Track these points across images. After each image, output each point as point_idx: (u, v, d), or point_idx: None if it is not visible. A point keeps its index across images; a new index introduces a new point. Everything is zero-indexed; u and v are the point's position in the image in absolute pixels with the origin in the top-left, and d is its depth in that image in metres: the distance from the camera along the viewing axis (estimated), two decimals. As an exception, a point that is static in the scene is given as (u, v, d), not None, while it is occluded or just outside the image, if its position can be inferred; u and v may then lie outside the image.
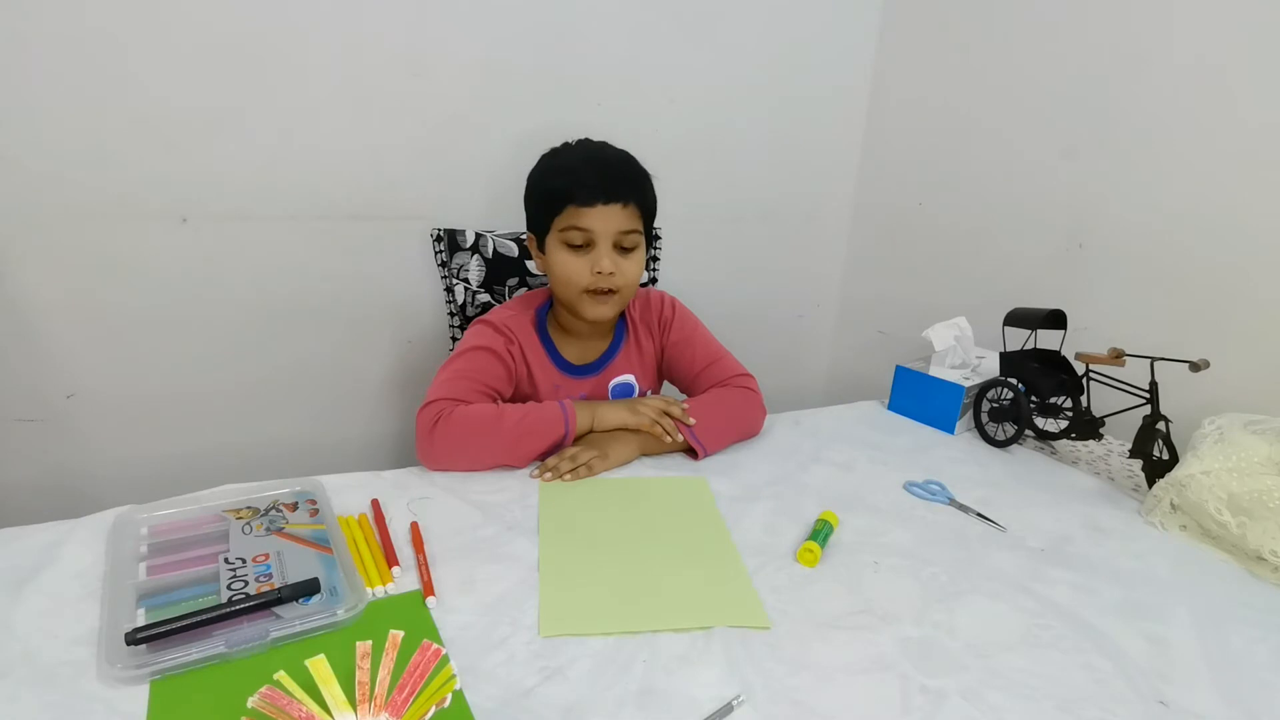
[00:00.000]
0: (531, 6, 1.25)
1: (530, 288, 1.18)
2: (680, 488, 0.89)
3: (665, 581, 0.70)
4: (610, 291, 0.94)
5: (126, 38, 1.03)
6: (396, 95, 1.20)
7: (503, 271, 1.19)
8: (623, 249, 0.93)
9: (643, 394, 1.07)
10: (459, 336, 1.01)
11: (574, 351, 1.03)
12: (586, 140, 0.98)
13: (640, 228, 0.95)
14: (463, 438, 0.88)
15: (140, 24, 1.04)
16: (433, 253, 1.17)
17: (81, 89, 1.03)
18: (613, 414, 0.95)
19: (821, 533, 0.77)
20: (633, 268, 0.95)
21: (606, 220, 0.91)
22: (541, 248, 0.97)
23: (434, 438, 0.87)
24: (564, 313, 1.01)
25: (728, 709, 0.54)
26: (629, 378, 1.05)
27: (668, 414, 0.96)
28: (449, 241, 1.16)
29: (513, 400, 1.00)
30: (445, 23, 1.20)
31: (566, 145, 0.98)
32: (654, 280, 1.29)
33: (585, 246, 0.92)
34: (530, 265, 1.20)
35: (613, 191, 0.91)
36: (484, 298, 1.18)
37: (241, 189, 1.16)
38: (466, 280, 1.17)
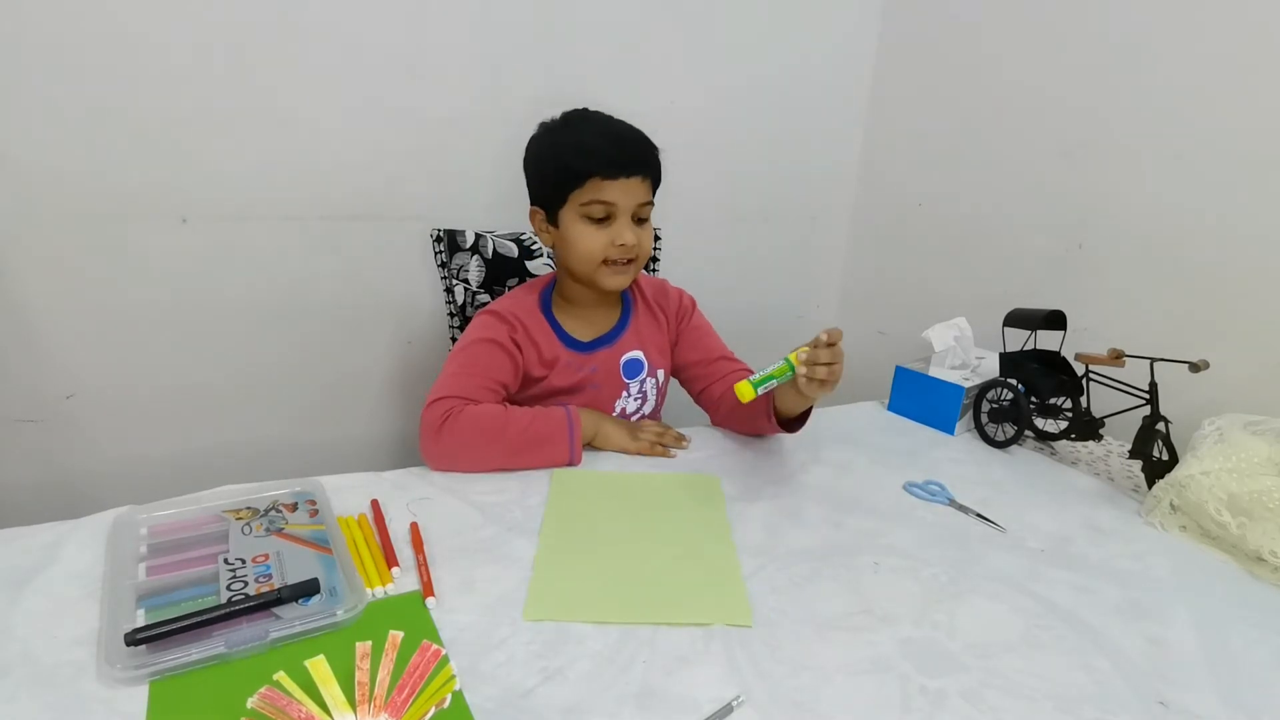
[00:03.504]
0: (531, 7, 1.25)
1: (530, 288, 1.18)
2: (692, 485, 0.90)
3: (655, 575, 0.71)
4: (629, 261, 0.96)
5: (126, 38, 1.03)
6: (396, 95, 1.20)
7: (502, 272, 1.19)
8: (638, 220, 0.95)
9: (653, 372, 1.07)
10: (458, 337, 1.01)
11: (582, 328, 1.03)
12: (590, 112, 0.98)
13: (652, 199, 0.97)
14: (469, 439, 0.88)
15: (140, 24, 1.04)
16: (432, 253, 1.17)
17: (81, 89, 1.03)
18: (615, 436, 0.96)
19: (775, 377, 0.82)
20: (648, 238, 0.97)
21: (628, 193, 0.92)
22: (553, 221, 0.97)
23: (440, 436, 0.87)
24: (571, 287, 1.01)
25: (727, 709, 0.54)
26: (638, 354, 1.06)
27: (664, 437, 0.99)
28: (449, 242, 1.16)
29: (525, 384, 1.00)
30: (445, 23, 1.20)
31: (575, 118, 0.97)
32: (654, 280, 1.29)
33: (606, 219, 0.93)
34: (530, 266, 1.20)
35: (634, 165, 0.92)
36: (484, 298, 1.18)
37: (241, 189, 1.16)
38: (466, 281, 1.17)
